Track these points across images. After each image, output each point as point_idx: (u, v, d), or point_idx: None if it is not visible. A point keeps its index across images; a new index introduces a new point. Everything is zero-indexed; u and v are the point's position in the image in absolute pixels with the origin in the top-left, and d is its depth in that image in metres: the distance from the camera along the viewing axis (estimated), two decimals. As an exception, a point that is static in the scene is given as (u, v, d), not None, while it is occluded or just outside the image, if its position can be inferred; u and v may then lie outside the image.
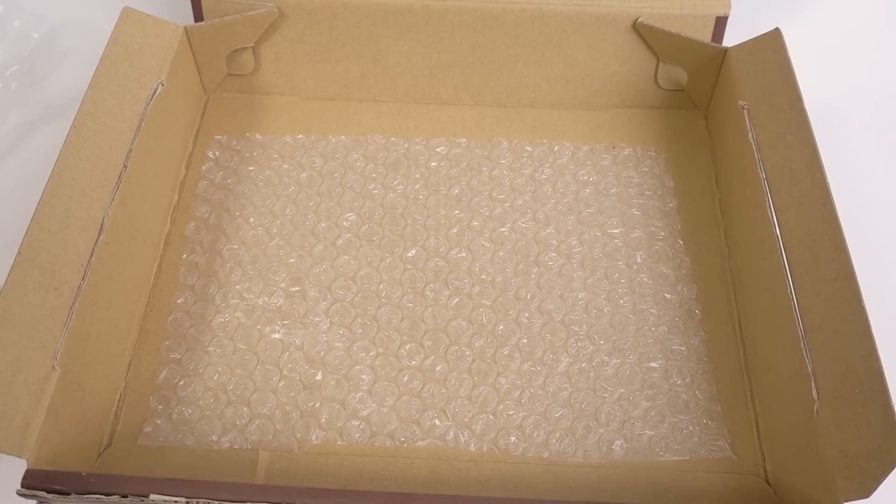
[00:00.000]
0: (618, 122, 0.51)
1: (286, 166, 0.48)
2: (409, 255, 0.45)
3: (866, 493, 0.31)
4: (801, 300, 0.36)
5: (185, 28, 0.47)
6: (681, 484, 0.38)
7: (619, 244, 0.46)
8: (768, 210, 0.39)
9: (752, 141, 0.42)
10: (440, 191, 0.48)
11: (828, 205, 0.37)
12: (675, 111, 0.52)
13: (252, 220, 0.46)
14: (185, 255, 0.45)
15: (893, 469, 0.30)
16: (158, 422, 0.39)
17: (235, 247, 0.45)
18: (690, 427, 0.40)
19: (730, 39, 0.48)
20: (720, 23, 0.47)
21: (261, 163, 0.49)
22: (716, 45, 0.47)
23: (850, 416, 0.32)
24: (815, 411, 0.34)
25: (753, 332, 0.42)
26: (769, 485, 0.38)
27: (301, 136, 0.50)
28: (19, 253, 0.34)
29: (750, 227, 0.43)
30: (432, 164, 0.49)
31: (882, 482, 0.30)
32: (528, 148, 0.49)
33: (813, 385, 0.34)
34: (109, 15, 0.44)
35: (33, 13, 0.54)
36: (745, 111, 0.43)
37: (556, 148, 0.50)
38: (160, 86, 0.43)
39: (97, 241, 0.37)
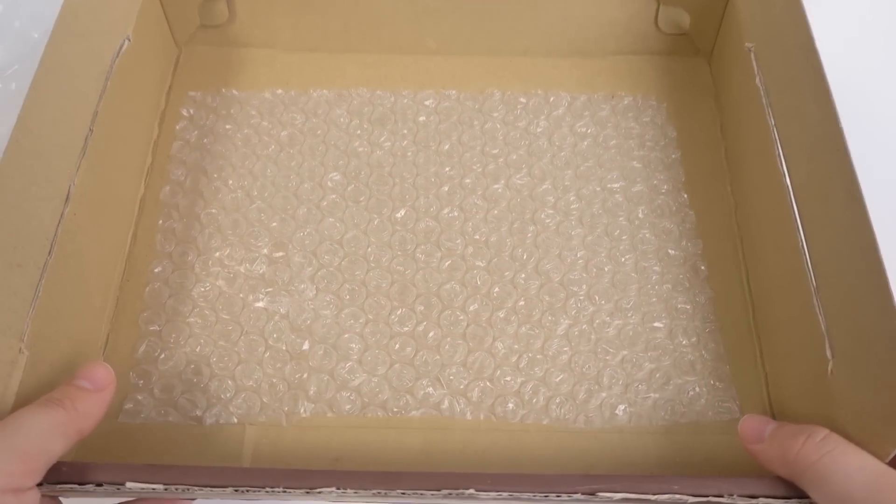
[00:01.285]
0: (617, 69, 0.48)
1: (266, 124, 0.46)
2: (398, 215, 0.43)
3: (883, 458, 0.29)
4: (813, 254, 0.34)
5: (152, -24, 0.43)
6: (687, 448, 0.37)
7: (620, 199, 0.43)
8: (777, 159, 0.37)
9: (759, 85, 0.39)
10: (430, 147, 0.45)
11: (841, 151, 0.34)
12: (677, 57, 0.49)
13: (231, 182, 0.44)
14: (161, 221, 0.42)
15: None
16: (139, 398, 0.37)
17: (214, 211, 0.43)
18: (697, 389, 0.38)
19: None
20: (725, -42, 0.44)
21: (238, 120, 0.46)
22: (720, -17, 0.44)
23: (867, 377, 0.30)
24: (828, 372, 0.32)
25: (762, 288, 0.40)
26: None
27: (280, 90, 0.47)
28: (-25, 229, 0.32)
29: (758, 177, 0.40)
30: (420, 118, 0.46)
31: (901, 445, 0.29)
32: (521, 99, 0.47)
33: (827, 344, 0.32)
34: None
35: (33, 13, 0.53)
36: (752, 54, 0.40)
37: (552, 99, 0.47)
38: (126, 41, 0.40)
39: (63, 212, 0.34)
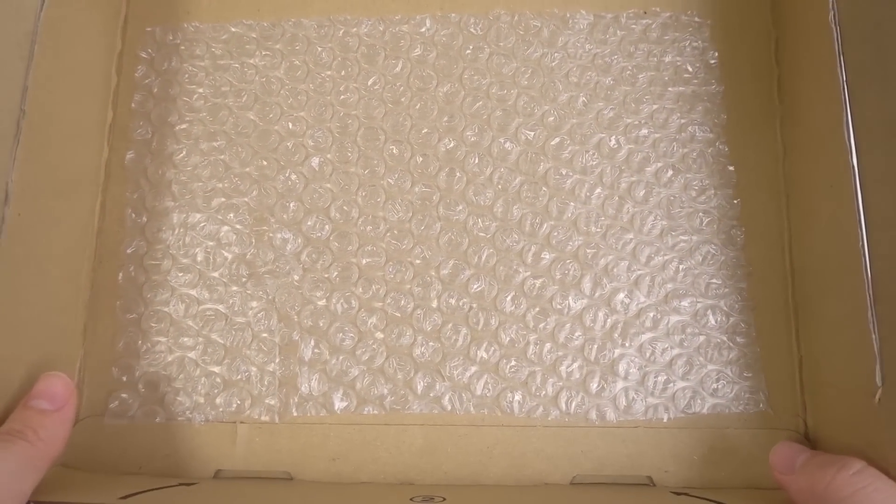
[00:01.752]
0: (651, -26, 0.40)
1: (236, 66, 0.39)
2: (391, 180, 0.37)
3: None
4: (874, 258, 0.29)
5: None
6: (706, 443, 0.34)
7: (648, 150, 0.37)
8: (844, 128, 0.30)
9: (832, 25, 0.31)
10: (426, 89, 0.38)
11: None
12: (728, -47, 0.40)
13: (201, 142, 0.38)
14: (128, 193, 0.38)
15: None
16: (124, 395, 0.35)
17: (185, 178, 0.38)
18: (723, 378, 0.34)
19: None
20: None
21: (205, 63, 0.39)
22: None
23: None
24: (876, 398, 0.28)
25: (807, 266, 0.34)
26: (808, 440, 0.34)
27: (250, 21, 0.40)
28: None
29: (816, 126, 0.34)
30: (415, 52, 0.39)
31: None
32: (535, 22, 0.39)
33: (878, 368, 0.28)
34: None
35: None
36: (836, 26, 0.31)
37: (571, 20, 0.39)
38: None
39: (3, 215, 0.30)
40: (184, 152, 0.38)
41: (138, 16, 0.40)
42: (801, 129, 0.35)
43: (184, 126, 0.39)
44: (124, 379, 0.36)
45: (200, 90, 0.39)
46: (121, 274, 0.37)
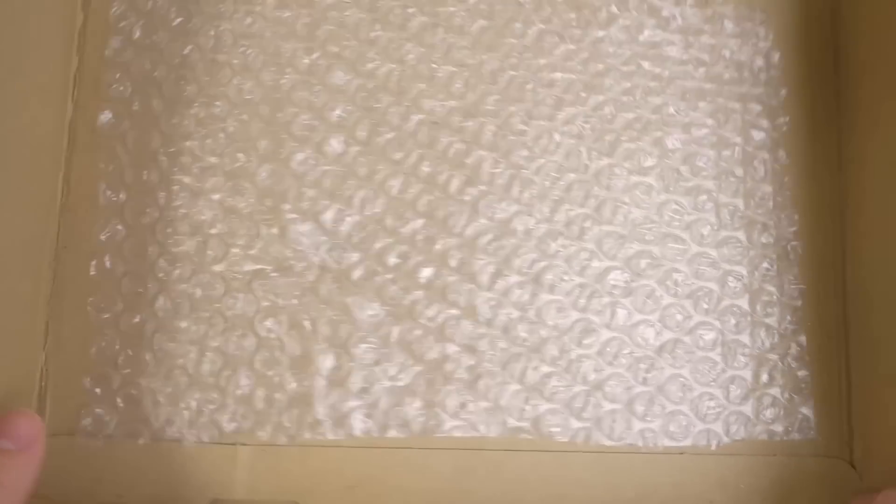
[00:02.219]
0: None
1: (241, 15, 0.33)
2: (425, 169, 0.32)
3: None
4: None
5: None
6: (753, 471, 0.32)
7: (708, 151, 0.34)
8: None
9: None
10: (467, 64, 0.33)
11: None
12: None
13: (196, 107, 0.32)
14: (102, 164, 0.31)
15: None
16: (99, 411, 0.29)
17: (175, 150, 0.31)
18: (774, 402, 0.33)
19: None
20: None
21: (201, 7, 0.32)
22: None
23: None
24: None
25: (861, 282, 0.33)
26: (854, 468, 0.33)
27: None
28: None
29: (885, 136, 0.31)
30: (456, 20, 0.33)
31: None
32: (591, 0, 0.34)
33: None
34: None
35: None
36: None
37: (631, 1, 0.35)
38: None
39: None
40: (174, 117, 0.32)
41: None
42: (863, 143, 0.33)
43: (174, 84, 0.32)
44: (98, 391, 0.30)
45: (194, 40, 0.32)
46: (93, 264, 0.30)
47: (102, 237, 0.30)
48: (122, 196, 0.31)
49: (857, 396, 0.33)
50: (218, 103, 0.32)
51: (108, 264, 0.30)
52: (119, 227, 0.31)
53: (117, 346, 0.30)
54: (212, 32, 0.32)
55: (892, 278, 0.30)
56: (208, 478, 0.30)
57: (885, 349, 0.31)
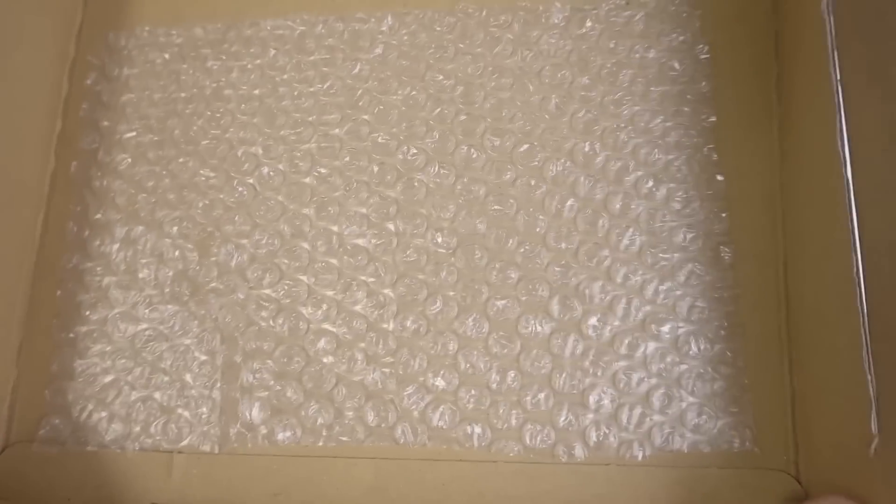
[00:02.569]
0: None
1: (189, 71, 0.37)
2: (345, 192, 0.34)
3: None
4: (870, 295, 0.25)
5: None
6: (685, 486, 0.30)
7: (627, 157, 0.33)
8: (838, 142, 0.26)
9: (825, 14, 0.27)
10: (386, 93, 0.35)
11: None
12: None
13: (150, 152, 0.36)
14: (72, 205, 0.36)
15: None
16: (56, 421, 0.33)
17: (132, 190, 0.36)
18: (705, 412, 0.31)
19: None
20: None
21: (156, 69, 0.37)
22: None
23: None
24: (871, 449, 0.24)
25: (803, 288, 0.30)
26: (800, 484, 0.30)
27: (205, 24, 0.37)
28: None
29: (816, 130, 0.30)
30: (376, 51, 0.36)
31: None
32: (504, 17, 0.36)
33: (873, 415, 0.24)
34: None
35: None
36: (829, 16, 0.27)
37: (545, 13, 0.36)
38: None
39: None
40: (130, 162, 0.36)
41: (94, 21, 0.38)
42: (798, 134, 0.32)
43: (132, 134, 0.36)
44: (57, 403, 0.34)
45: (152, 96, 0.37)
46: (59, 290, 0.35)
47: (68, 266, 0.35)
48: (87, 232, 0.35)
49: (800, 407, 0.30)
50: (169, 148, 0.36)
51: (71, 290, 0.35)
52: (81, 257, 0.35)
53: (75, 363, 0.34)
54: (166, 92, 0.37)
55: (828, 281, 0.28)
56: (146, 483, 0.32)
57: (824, 359, 0.28)
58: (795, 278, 0.31)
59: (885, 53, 0.25)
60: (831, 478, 0.28)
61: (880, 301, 0.24)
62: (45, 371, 0.34)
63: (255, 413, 0.33)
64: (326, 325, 0.33)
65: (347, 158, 0.35)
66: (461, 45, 0.36)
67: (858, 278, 0.25)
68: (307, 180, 0.35)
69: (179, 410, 0.33)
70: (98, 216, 0.35)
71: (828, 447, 0.28)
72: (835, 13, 0.27)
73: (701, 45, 0.35)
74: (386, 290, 0.33)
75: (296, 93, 0.36)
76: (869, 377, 0.24)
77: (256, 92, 0.36)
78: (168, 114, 0.36)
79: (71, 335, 0.34)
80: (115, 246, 0.35)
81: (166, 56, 0.37)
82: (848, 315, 0.25)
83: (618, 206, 0.33)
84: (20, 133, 0.35)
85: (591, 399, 0.31)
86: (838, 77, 0.26)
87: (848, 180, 0.25)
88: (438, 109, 0.35)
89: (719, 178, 0.33)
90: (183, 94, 0.36)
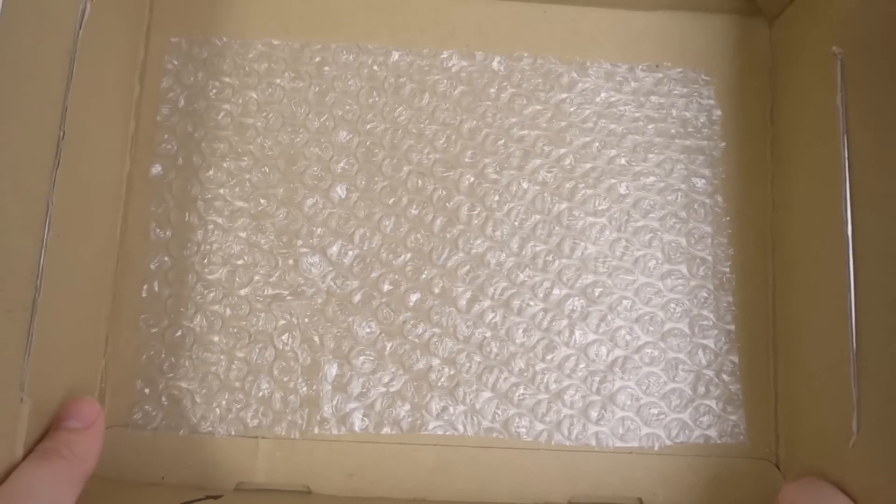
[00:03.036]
0: (665, 29, 0.42)
1: (263, 85, 0.40)
2: (413, 211, 0.39)
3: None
4: (860, 315, 0.32)
5: None
6: (693, 469, 0.38)
7: (655, 197, 0.40)
8: (843, 199, 0.33)
9: (839, 106, 0.34)
10: (450, 124, 0.40)
11: None
12: (734, 16, 0.42)
13: (227, 161, 0.39)
14: (153, 207, 0.38)
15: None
16: (147, 407, 0.36)
17: (210, 196, 0.39)
18: (709, 412, 0.38)
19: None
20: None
21: (232, 80, 0.40)
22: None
23: (887, 464, 0.31)
24: (850, 444, 0.32)
25: (790, 311, 0.38)
26: (779, 469, 0.38)
27: (277, 41, 0.40)
28: (-46, 281, 0.28)
29: (807, 187, 0.37)
30: (441, 87, 0.40)
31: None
32: (556, 67, 0.41)
33: (855, 416, 0.32)
34: None
35: None
36: (839, 62, 0.35)
37: (591, 68, 0.41)
38: (87, 4, 0.33)
39: (45, 239, 0.31)
40: (210, 169, 0.39)
41: (162, 26, 0.40)
42: (786, 188, 0.39)
43: (210, 142, 0.39)
44: (147, 391, 0.37)
45: (227, 107, 0.39)
46: (145, 287, 0.38)
47: (152, 266, 0.38)
48: (169, 233, 0.38)
49: (783, 407, 0.38)
50: (245, 158, 0.39)
51: (156, 289, 0.38)
52: (165, 258, 0.38)
53: (163, 355, 0.37)
54: (240, 101, 0.40)
55: (814, 305, 0.36)
56: (234, 464, 0.36)
57: (809, 372, 0.36)
58: (783, 302, 0.39)
59: (880, 148, 0.32)
60: (809, 464, 0.36)
61: (867, 339, 0.32)
62: (135, 363, 0.37)
63: (335, 405, 0.37)
64: (396, 329, 0.38)
65: (417, 182, 0.39)
66: (517, 88, 0.41)
67: (851, 313, 0.32)
68: (380, 200, 0.39)
69: (264, 401, 0.37)
70: (179, 219, 0.38)
71: (809, 440, 0.36)
72: (845, 108, 0.34)
73: (716, 109, 0.41)
74: (449, 301, 0.38)
75: (368, 116, 0.40)
76: (853, 387, 0.32)
77: (330, 112, 0.40)
78: (245, 126, 0.39)
79: (157, 330, 0.37)
80: (198, 248, 0.38)
81: (242, 68, 0.40)
82: (829, 334, 0.33)
83: (647, 237, 0.40)
84: (102, 137, 0.36)
85: (620, 398, 0.38)
86: (847, 155, 0.33)
87: (848, 237, 0.33)
88: (497, 144, 0.40)
89: (727, 219, 0.40)
90: (258, 108, 0.39)
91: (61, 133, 0.31)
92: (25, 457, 0.30)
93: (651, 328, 0.39)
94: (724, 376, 0.39)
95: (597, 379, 0.38)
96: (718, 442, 0.38)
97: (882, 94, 0.32)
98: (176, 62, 0.40)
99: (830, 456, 0.33)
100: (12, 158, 0.29)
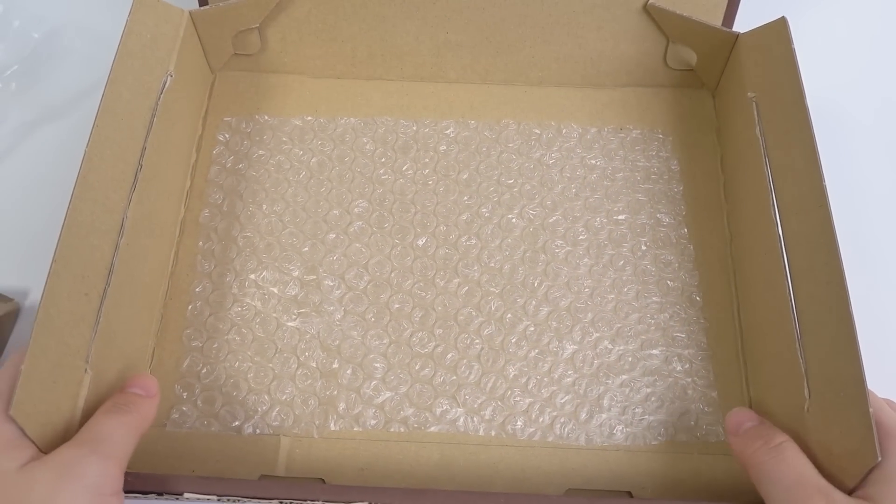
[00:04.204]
0: (626, 101, 0.51)
1: (297, 150, 0.49)
2: (420, 243, 0.46)
3: (846, 490, 0.33)
4: (798, 301, 0.38)
5: (191, 13, 0.46)
6: (676, 465, 0.41)
7: (625, 230, 0.47)
8: (772, 209, 0.40)
9: (758, 136, 0.42)
10: (449, 175, 0.48)
11: (824, 208, 0.37)
12: (684, 89, 0.52)
13: (265, 206, 0.47)
14: (200, 243, 0.46)
15: (869, 469, 0.32)
16: (184, 408, 0.41)
17: (249, 234, 0.46)
18: (688, 412, 0.42)
19: (741, 22, 0.47)
20: (732, 5, 0.47)
21: (271, 146, 0.49)
22: (727, 29, 0.47)
23: (835, 418, 0.34)
24: (805, 409, 0.36)
25: (752, 321, 0.43)
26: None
27: (310, 117, 0.50)
28: (55, 261, 0.34)
29: (752, 217, 0.44)
30: (441, 147, 0.49)
31: (860, 480, 0.33)
32: (536, 130, 0.50)
33: (805, 384, 0.36)
34: (108, 14, 0.45)
35: (33, 13, 0.53)
36: (755, 103, 0.43)
37: (564, 130, 0.50)
38: (169, 77, 0.43)
39: (118, 243, 0.38)
40: (248, 213, 0.47)
41: (218, 108, 0.50)
42: (742, 222, 0.46)
43: (250, 193, 0.47)
44: (185, 395, 0.42)
45: (266, 167, 0.48)
46: (189, 307, 0.44)
47: (197, 290, 0.44)
48: (213, 264, 0.45)
49: (755, 408, 0.42)
50: (278, 204, 0.47)
51: (198, 309, 0.44)
52: (207, 284, 0.45)
53: (200, 365, 0.43)
54: (276, 160, 0.48)
55: (771, 314, 0.41)
56: (258, 459, 0.40)
57: (771, 359, 0.41)
58: (746, 315, 0.44)
59: (791, 158, 0.39)
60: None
61: (804, 318, 0.37)
62: (175, 371, 0.42)
63: (349, 405, 0.42)
64: (404, 342, 0.43)
65: (422, 219, 0.47)
66: (504, 147, 0.49)
67: (793, 308, 0.38)
68: (389, 234, 0.46)
69: (286, 404, 0.42)
70: (222, 253, 0.45)
71: (776, 417, 0.39)
72: (763, 136, 0.42)
73: (674, 160, 0.49)
74: (450, 317, 0.44)
75: (380, 171, 0.48)
76: (801, 360, 0.36)
77: (349, 168, 0.48)
78: (279, 180, 0.48)
79: (198, 343, 0.43)
80: (237, 276, 0.45)
81: (279, 137, 0.49)
82: (784, 330, 0.38)
83: (620, 262, 0.46)
84: (166, 184, 0.45)
85: (605, 401, 0.42)
86: (773, 191, 0.40)
87: (783, 255, 0.39)
88: (489, 189, 0.48)
89: (690, 247, 0.46)
90: (291, 166, 0.48)
91: (139, 165, 0.40)
92: (81, 421, 0.35)
93: (630, 340, 0.44)
94: (699, 381, 0.43)
95: (583, 384, 0.43)
96: (698, 440, 0.41)
97: (783, 120, 0.40)
98: (227, 135, 0.49)
99: (793, 421, 0.37)
100: (104, 178, 0.38)
